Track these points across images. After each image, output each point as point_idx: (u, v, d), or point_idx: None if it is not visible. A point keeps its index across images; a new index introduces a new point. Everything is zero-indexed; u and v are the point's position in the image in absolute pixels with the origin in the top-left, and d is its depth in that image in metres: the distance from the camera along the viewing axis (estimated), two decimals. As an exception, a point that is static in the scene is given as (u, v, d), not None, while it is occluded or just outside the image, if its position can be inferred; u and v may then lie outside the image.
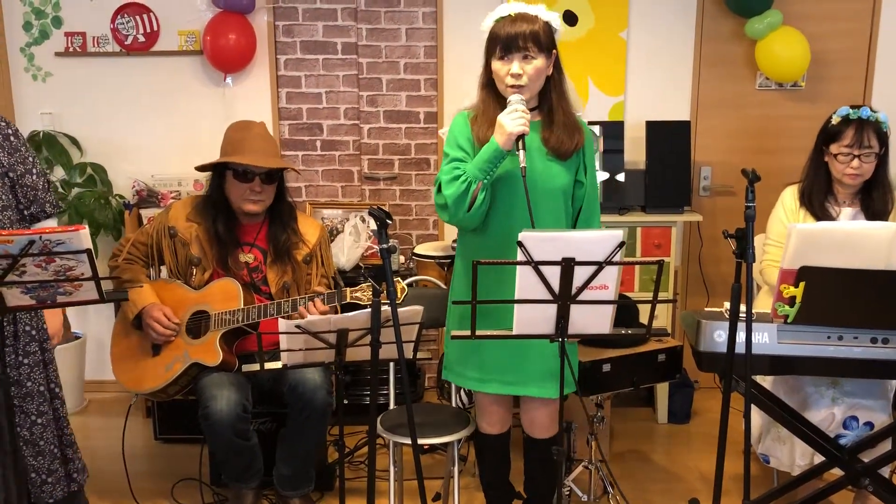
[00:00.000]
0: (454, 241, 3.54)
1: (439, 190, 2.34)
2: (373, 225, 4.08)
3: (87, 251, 1.90)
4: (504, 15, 2.31)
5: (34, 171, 2.46)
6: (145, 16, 4.03)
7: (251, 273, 2.93)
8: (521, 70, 2.27)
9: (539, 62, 2.29)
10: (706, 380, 4.25)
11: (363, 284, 2.75)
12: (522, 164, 2.20)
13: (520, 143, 2.22)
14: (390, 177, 4.27)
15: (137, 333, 2.90)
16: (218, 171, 2.90)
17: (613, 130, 3.91)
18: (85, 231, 1.89)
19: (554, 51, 2.33)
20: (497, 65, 2.31)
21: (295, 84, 4.17)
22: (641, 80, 4.12)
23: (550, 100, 2.37)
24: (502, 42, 2.27)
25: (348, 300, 2.71)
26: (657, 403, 3.95)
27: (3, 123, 2.41)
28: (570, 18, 4.03)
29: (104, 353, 4.26)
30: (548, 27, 2.31)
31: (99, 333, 4.24)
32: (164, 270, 3.01)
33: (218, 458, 3.00)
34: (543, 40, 2.28)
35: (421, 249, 3.78)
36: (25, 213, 2.45)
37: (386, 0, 4.08)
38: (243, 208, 2.88)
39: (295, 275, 2.95)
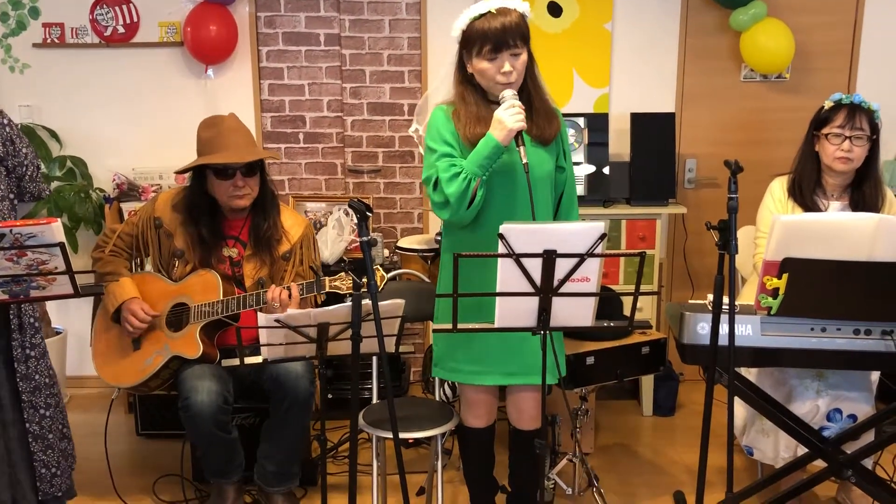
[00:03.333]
0: (437, 235, 3.52)
1: (435, 188, 2.30)
2: (356, 218, 4.05)
3: (60, 244, 1.87)
4: (483, 12, 2.26)
5: (25, 161, 2.41)
6: (125, 6, 3.98)
7: (233, 267, 2.90)
8: (511, 67, 2.24)
9: (524, 56, 2.27)
10: (691, 372, 4.25)
11: (342, 273, 2.72)
12: (524, 160, 2.19)
13: (519, 138, 2.20)
14: (374, 170, 4.24)
15: (118, 328, 2.87)
16: (198, 171, 2.86)
17: (598, 123, 3.89)
18: (57, 224, 1.86)
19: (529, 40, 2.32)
20: (484, 64, 2.27)
21: (277, 76, 4.13)
22: (626, 71, 4.10)
23: (528, 88, 2.36)
24: (492, 41, 2.23)
25: (327, 289, 2.69)
26: (642, 396, 3.95)
27: None
28: (554, 9, 4.00)
29: (85, 348, 4.21)
30: (524, 17, 2.29)
31: (80, 329, 4.19)
32: (148, 263, 2.97)
33: (199, 452, 2.98)
34: (526, 33, 2.27)
35: (405, 243, 3.75)
36: (16, 203, 2.41)
37: (369, -9, 4.05)
38: (231, 205, 2.85)
39: (271, 270, 2.91)
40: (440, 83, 2.47)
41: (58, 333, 4.01)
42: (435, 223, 4.19)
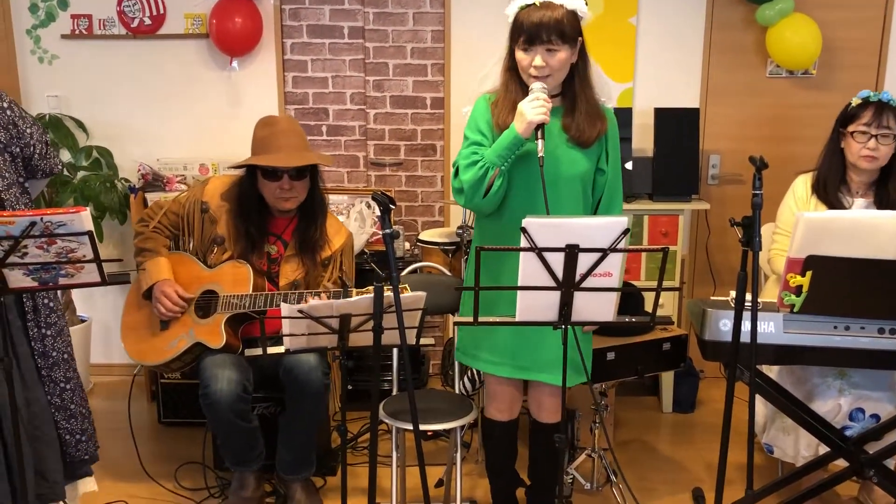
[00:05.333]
0: (459, 228, 3.53)
1: (456, 174, 2.32)
2: (378, 211, 4.06)
3: (89, 233, 1.90)
4: (529, 3, 2.25)
5: (32, 141, 2.44)
6: (151, -2, 4.02)
7: (270, 264, 2.92)
8: (543, 62, 2.23)
9: (562, 54, 2.25)
10: (711, 369, 4.23)
11: (369, 286, 2.73)
12: (540, 154, 2.18)
13: (539, 131, 2.20)
14: (396, 162, 4.25)
15: (148, 305, 2.90)
16: (249, 168, 2.88)
17: (622, 117, 3.82)
18: (86, 213, 1.89)
19: (579, 38, 2.30)
20: (520, 55, 2.27)
21: (301, 68, 4.15)
22: (650, 66, 4.08)
23: (574, 87, 2.34)
24: (526, 33, 2.23)
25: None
26: (662, 392, 3.94)
27: None
28: (578, 4, 3.99)
29: (110, 336, 4.28)
30: (573, 16, 2.26)
31: (104, 317, 4.25)
32: (191, 243, 3.00)
33: (219, 440, 3.01)
34: (568, 31, 2.23)
35: (426, 236, 3.76)
36: (26, 185, 2.44)
37: (393, -16, 4.05)
38: (277, 206, 2.87)
39: (308, 275, 2.93)
40: (490, 69, 2.47)
41: (83, 321, 4.06)
42: (456, 216, 4.19)
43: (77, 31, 4.05)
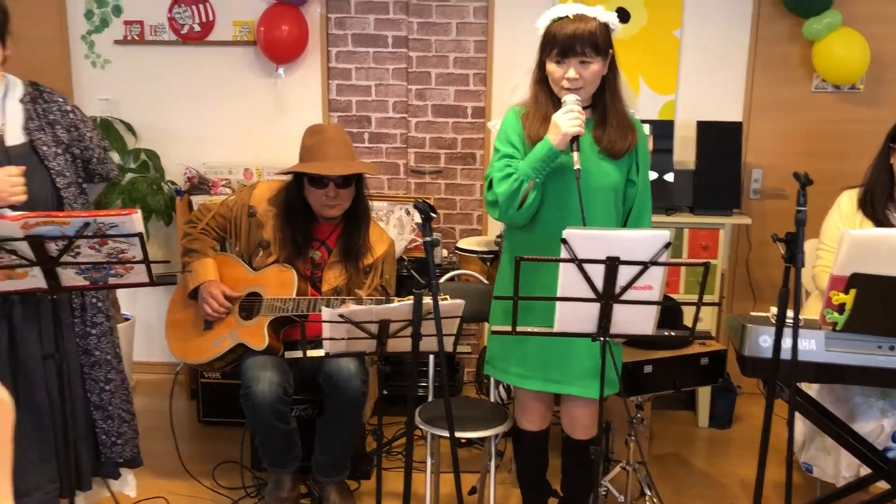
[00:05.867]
0: (498, 237, 3.54)
1: (490, 186, 2.33)
2: (417, 218, 4.10)
3: (139, 235, 1.95)
4: (562, 15, 2.27)
5: (91, 145, 2.52)
6: (201, 5, 4.11)
7: (314, 269, 2.97)
8: (577, 75, 2.25)
9: (595, 66, 2.26)
10: (749, 385, 4.18)
11: (410, 297, 2.76)
12: (577, 167, 2.18)
13: (574, 143, 2.20)
14: (436, 171, 4.29)
15: (194, 305, 2.96)
16: (297, 175, 2.94)
17: (663, 130, 3.86)
18: (137, 215, 1.94)
19: (610, 51, 2.31)
20: (552, 67, 2.28)
21: (345, 76, 4.20)
22: (694, 79, 4.06)
23: (604, 99, 2.35)
24: (560, 45, 2.24)
25: None
26: (698, 407, 3.91)
27: (61, 100, 2.46)
28: (622, 15, 3.97)
29: (153, 334, 4.37)
30: (605, 28, 2.27)
31: (148, 316, 4.34)
32: (237, 246, 3.07)
33: (257, 440, 3.05)
34: (601, 43, 2.25)
35: (464, 244, 3.78)
36: (84, 186, 2.51)
37: (438, -6, 4.09)
38: (323, 213, 2.92)
39: (350, 281, 2.97)
40: (520, 81, 2.48)
41: (127, 320, 4.15)
42: (494, 225, 4.21)
43: (129, 37, 4.16)
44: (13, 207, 2.11)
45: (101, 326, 2.55)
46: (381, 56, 4.18)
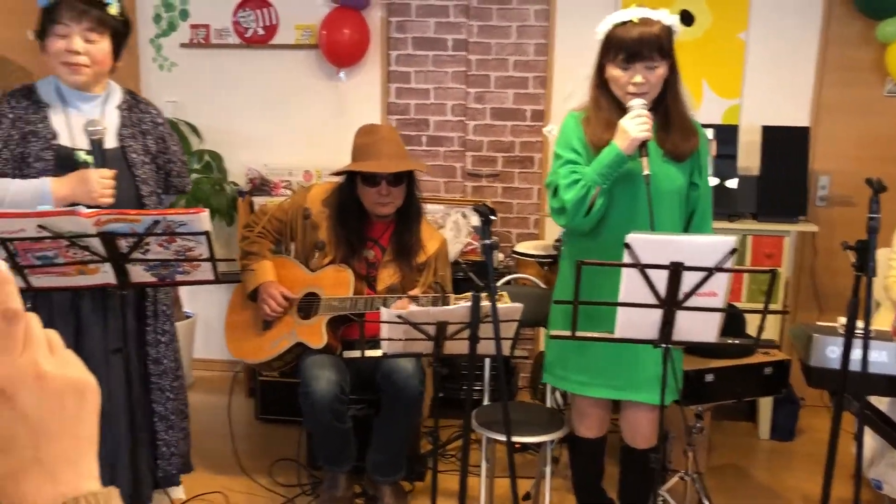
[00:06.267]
0: (556, 241, 3.52)
1: (555, 193, 2.31)
2: (473, 221, 4.10)
3: (206, 233, 1.99)
4: (626, 20, 2.25)
5: (174, 158, 2.59)
6: (265, 10, 4.18)
7: (369, 268, 3.00)
8: (644, 79, 2.22)
9: (661, 70, 2.24)
10: (813, 397, 4.06)
11: (468, 294, 2.76)
12: (646, 172, 2.16)
13: (642, 149, 2.18)
14: (493, 174, 4.28)
15: (252, 306, 3.02)
16: (349, 175, 2.98)
17: (727, 134, 3.79)
18: (205, 214, 1.98)
19: (673, 53, 2.28)
20: (617, 72, 2.26)
21: (405, 80, 4.23)
22: (759, 83, 3.97)
23: (666, 102, 2.32)
24: (626, 50, 2.22)
25: (452, 306, 2.73)
26: (759, 418, 3.81)
27: (154, 112, 2.54)
28: (686, 18, 3.93)
29: (213, 332, 4.45)
30: (669, 31, 2.25)
31: (209, 314, 4.43)
32: (294, 248, 3.12)
33: (314, 439, 3.09)
34: (666, 46, 2.23)
35: (521, 247, 3.77)
36: (163, 196, 2.59)
37: (498, -3, 4.09)
38: (376, 211, 2.95)
39: (405, 279, 2.99)
40: (575, 88, 2.47)
41: (188, 317, 4.25)
42: (551, 229, 4.18)
43: (195, 41, 4.26)
44: (97, 208, 2.18)
45: (170, 334, 2.61)
46: (441, 59, 4.19)
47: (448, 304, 2.71)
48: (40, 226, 1.92)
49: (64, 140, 2.32)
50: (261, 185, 4.11)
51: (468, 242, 4.02)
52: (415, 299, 2.75)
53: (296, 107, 4.27)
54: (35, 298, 2.30)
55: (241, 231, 3.13)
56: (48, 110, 2.33)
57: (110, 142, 2.35)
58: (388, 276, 2.97)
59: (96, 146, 2.24)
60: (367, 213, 2.99)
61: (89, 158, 2.27)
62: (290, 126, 4.29)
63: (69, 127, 2.33)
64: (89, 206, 2.08)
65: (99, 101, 2.39)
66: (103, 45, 2.30)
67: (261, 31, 4.20)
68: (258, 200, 4.04)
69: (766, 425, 3.80)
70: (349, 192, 2.97)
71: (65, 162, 2.29)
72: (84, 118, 2.31)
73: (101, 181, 2.21)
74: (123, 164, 2.37)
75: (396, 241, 2.99)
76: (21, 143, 2.27)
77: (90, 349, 2.33)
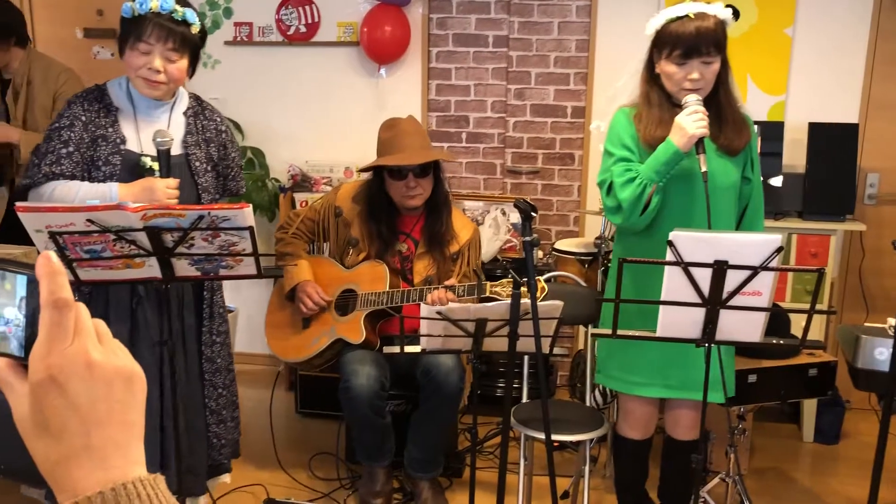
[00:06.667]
0: (597, 238, 3.49)
1: (609, 192, 2.29)
2: (513, 218, 4.09)
3: (250, 228, 2.02)
4: (681, 15, 2.21)
5: (232, 164, 2.63)
6: (308, 7, 4.21)
7: (402, 261, 3.01)
8: (700, 75, 2.20)
9: (716, 65, 2.22)
10: (860, 399, 3.97)
11: (503, 280, 2.76)
12: (704, 169, 2.13)
13: (699, 146, 2.15)
14: (533, 171, 4.26)
15: (291, 306, 3.05)
16: (376, 170, 3.00)
17: (772, 131, 3.72)
18: (249, 209, 2.01)
19: (726, 48, 2.25)
20: (672, 68, 2.23)
21: (445, 76, 4.23)
22: (806, 79, 3.89)
23: (719, 97, 2.29)
24: (683, 46, 2.19)
25: (488, 294, 2.74)
26: (803, 420, 3.74)
27: (218, 119, 2.59)
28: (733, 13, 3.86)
29: (255, 326, 4.51)
30: (723, 25, 2.22)
31: (250, 308, 4.48)
32: (326, 247, 3.15)
33: (353, 433, 3.11)
34: (722, 41, 2.20)
35: (562, 245, 3.75)
36: (219, 199, 2.63)
37: (540, -7, 4.07)
38: (405, 204, 2.97)
39: (439, 269, 3.00)
40: (627, 80, 2.44)
41: (230, 311, 4.30)
42: (591, 226, 4.15)
43: (238, 38, 4.31)
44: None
45: (225, 334, 2.66)
46: (482, 56, 4.18)
47: (484, 292, 2.72)
48: (89, 220, 1.96)
49: (132, 145, 2.37)
50: (302, 182, 4.15)
51: (507, 239, 4.01)
52: (451, 289, 2.76)
53: (337, 103, 4.29)
54: (91, 294, 2.36)
55: (275, 234, 3.17)
56: (118, 114, 2.38)
57: (175, 149, 2.39)
58: (423, 268, 2.98)
59: (163, 155, 2.28)
60: (397, 208, 3.00)
61: (155, 165, 2.32)
62: (331, 123, 4.31)
63: (138, 132, 2.38)
64: None
65: (167, 107, 2.44)
66: (182, 63, 2.35)
67: (303, 29, 4.24)
68: (299, 196, 4.07)
69: (811, 428, 3.72)
70: (378, 187, 2.99)
71: (131, 167, 2.34)
72: (153, 124, 2.36)
73: (166, 190, 2.26)
74: (187, 172, 2.42)
75: (428, 232, 3.00)
76: (91, 147, 2.32)
77: (143, 349, 2.37)
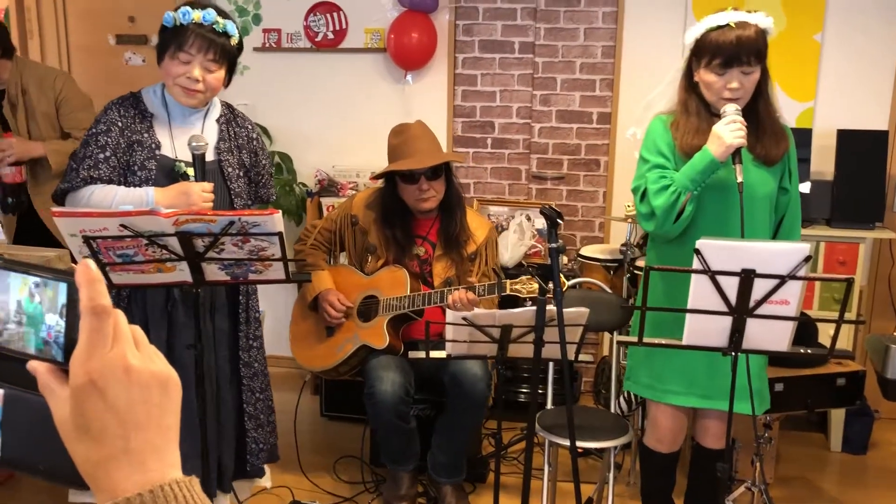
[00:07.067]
0: (623, 245, 3.49)
1: (642, 198, 2.29)
2: (538, 224, 4.09)
3: (279, 234, 2.04)
4: (722, 24, 2.20)
5: (262, 171, 2.66)
6: (335, 14, 4.25)
7: (421, 265, 3.03)
8: (739, 84, 2.19)
9: (756, 74, 2.21)
10: (890, 409, 3.92)
11: (523, 277, 2.77)
12: (740, 180, 2.12)
13: (736, 156, 2.14)
14: (558, 176, 4.26)
15: (314, 315, 3.09)
16: (388, 176, 3.02)
17: (800, 138, 3.64)
18: (278, 215, 2.03)
19: (766, 57, 2.24)
20: (711, 77, 2.22)
21: (471, 82, 4.25)
22: (835, 85, 3.86)
23: (758, 106, 2.28)
24: (723, 55, 2.18)
25: (508, 292, 2.75)
26: (830, 430, 3.71)
27: (249, 126, 2.63)
28: (759, 19, 3.84)
29: (281, 330, 4.54)
30: (763, 34, 2.21)
31: (277, 312, 4.52)
32: (342, 256, 3.19)
33: (378, 438, 3.13)
34: (762, 51, 2.19)
35: (587, 251, 3.75)
36: (252, 206, 2.67)
37: (566, 0, 4.07)
38: (418, 208, 2.99)
39: (458, 269, 3.02)
40: (665, 88, 2.44)
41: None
42: (617, 233, 4.14)
43: (267, 45, 4.36)
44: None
45: (260, 339, 2.70)
46: (507, 62, 4.20)
47: (504, 291, 2.73)
48: (122, 225, 2.00)
49: (167, 151, 2.42)
50: (329, 187, 4.18)
51: (532, 245, 4.02)
52: (471, 288, 2.77)
53: (364, 109, 4.32)
54: (129, 299, 2.41)
55: (294, 246, 3.21)
56: (153, 121, 2.43)
57: (208, 155, 2.43)
58: (442, 269, 3.00)
59: (198, 160, 2.31)
60: (412, 212, 3.03)
61: (189, 170, 2.36)
62: (358, 128, 4.35)
63: (172, 138, 2.43)
64: None
65: (201, 114, 2.49)
66: (220, 74, 2.40)
67: (330, 36, 4.27)
68: (326, 201, 4.11)
69: (838, 437, 3.69)
70: (391, 193, 3.02)
71: (167, 172, 2.39)
72: (187, 130, 2.41)
73: (202, 194, 2.30)
74: (220, 177, 2.47)
75: (444, 234, 3.02)
76: (127, 152, 2.37)
77: (181, 352, 2.41)
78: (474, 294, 2.76)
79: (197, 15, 2.30)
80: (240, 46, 2.45)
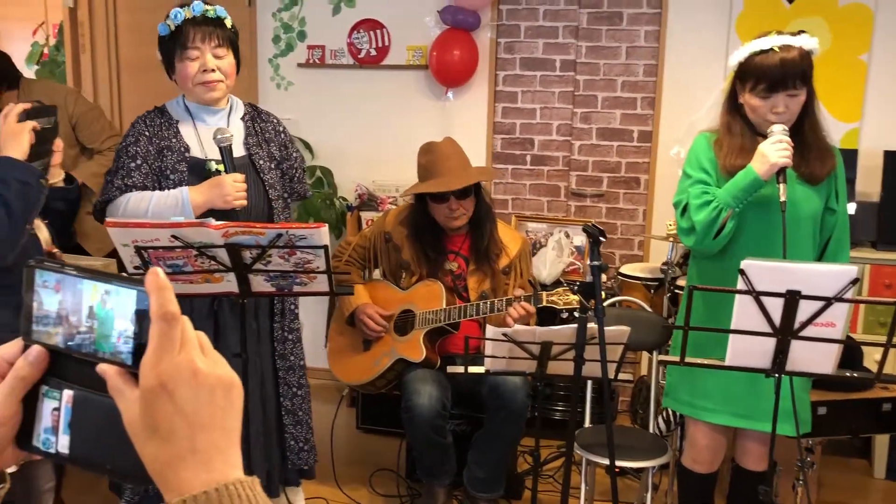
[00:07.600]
0: (663, 264, 3.47)
1: (683, 213, 2.29)
2: (576, 241, 4.09)
3: (325, 247, 2.08)
4: (766, 48, 2.19)
5: (295, 165, 2.72)
6: (378, 31, 4.31)
7: (455, 280, 3.05)
8: (785, 108, 2.18)
9: (802, 97, 2.20)
10: (935, 438, 3.84)
11: (559, 289, 2.77)
12: (783, 199, 2.11)
13: (781, 175, 2.14)
14: (598, 194, 4.26)
15: (351, 330, 3.12)
16: (420, 195, 3.05)
17: (845, 159, 3.56)
18: (324, 229, 2.07)
19: (812, 78, 2.23)
20: (756, 101, 2.22)
21: (511, 99, 4.27)
22: (881, 106, 3.81)
23: (804, 126, 2.27)
24: (768, 80, 2.17)
25: (544, 304, 2.75)
26: (875, 456, 3.63)
27: (275, 121, 2.70)
28: (804, 39, 3.81)
29: (318, 341, 4.58)
30: (809, 55, 2.21)
31: (315, 323, 4.56)
32: (377, 272, 3.22)
33: (415, 452, 3.14)
34: (808, 73, 2.19)
35: (627, 269, 3.73)
36: (289, 201, 2.72)
37: (608, 19, 4.08)
38: (448, 226, 3.02)
39: (493, 283, 3.03)
40: (707, 109, 2.45)
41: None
42: (656, 251, 4.12)
43: (311, 61, 4.43)
44: (233, 212, 2.32)
45: (297, 332, 2.73)
46: (548, 79, 4.21)
47: (541, 302, 2.73)
48: (173, 236, 2.05)
49: (196, 152, 2.48)
50: (368, 201, 4.23)
51: (570, 262, 4.01)
52: (517, 299, 2.77)
53: (405, 125, 4.37)
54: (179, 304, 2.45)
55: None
56: (179, 125, 2.50)
57: (237, 151, 2.49)
58: (476, 283, 3.02)
59: (225, 152, 2.37)
60: (443, 228, 3.05)
61: (220, 167, 2.42)
62: (398, 144, 4.39)
63: (199, 139, 2.49)
64: (224, 211, 2.22)
65: (223, 113, 2.55)
66: (230, 58, 2.47)
67: (373, 52, 4.33)
68: (366, 215, 4.15)
69: (882, 464, 3.61)
70: (422, 210, 3.05)
71: (199, 172, 2.45)
72: (212, 130, 2.46)
73: (234, 185, 2.35)
74: (252, 171, 2.52)
75: (475, 249, 3.04)
76: (158, 158, 2.44)
77: (226, 352, 2.44)
78: (530, 304, 2.77)
79: (187, 11, 2.38)
80: (234, 29, 2.50)
